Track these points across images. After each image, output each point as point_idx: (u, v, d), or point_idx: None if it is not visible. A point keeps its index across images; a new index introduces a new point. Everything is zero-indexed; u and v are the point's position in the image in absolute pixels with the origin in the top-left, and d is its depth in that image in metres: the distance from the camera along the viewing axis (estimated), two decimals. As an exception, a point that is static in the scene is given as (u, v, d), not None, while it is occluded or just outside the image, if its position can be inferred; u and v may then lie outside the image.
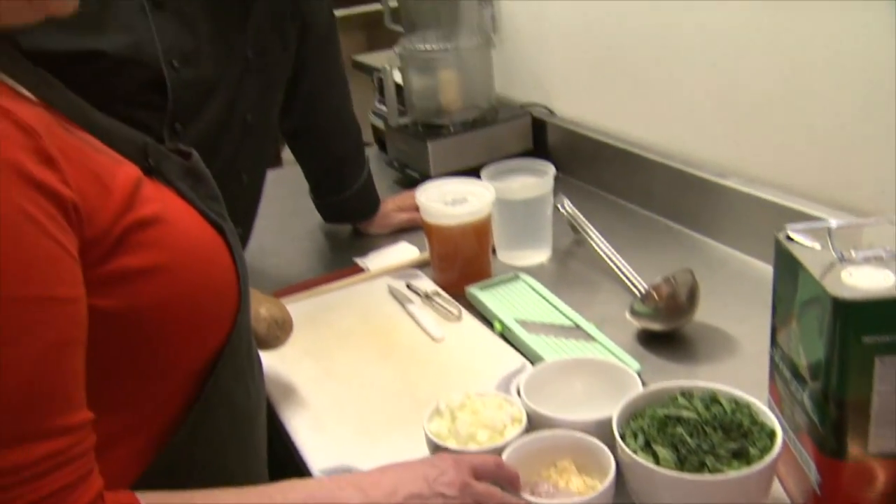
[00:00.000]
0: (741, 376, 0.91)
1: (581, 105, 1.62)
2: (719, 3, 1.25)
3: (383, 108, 1.71)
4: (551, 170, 1.30)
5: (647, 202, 1.45)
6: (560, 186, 1.38)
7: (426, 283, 1.26)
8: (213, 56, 1.13)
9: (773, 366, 0.83)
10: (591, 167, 1.57)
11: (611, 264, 1.25)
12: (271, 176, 1.38)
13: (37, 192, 0.56)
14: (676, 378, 0.87)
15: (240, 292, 0.75)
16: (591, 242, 1.30)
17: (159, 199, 0.70)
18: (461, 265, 1.25)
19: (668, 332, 1.09)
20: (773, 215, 1.18)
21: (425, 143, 1.57)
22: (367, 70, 2.18)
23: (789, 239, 0.78)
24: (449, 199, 1.25)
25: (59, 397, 0.57)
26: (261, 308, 0.98)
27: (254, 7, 1.17)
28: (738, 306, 1.13)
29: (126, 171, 0.68)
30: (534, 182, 1.30)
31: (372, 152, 1.81)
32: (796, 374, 0.76)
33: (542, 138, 1.67)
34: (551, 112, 1.69)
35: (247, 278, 0.77)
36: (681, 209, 1.38)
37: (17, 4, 0.65)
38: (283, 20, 1.23)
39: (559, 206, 1.36)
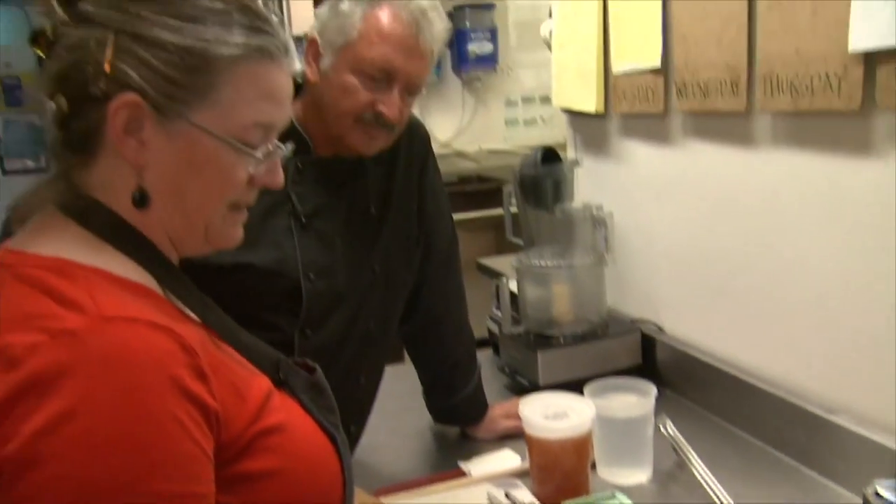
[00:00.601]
0: None
1: (690, 325, 1.66)
2: (827, 238, 1.29)
3: (499, 313, 1.81)
4: (653, 390, 1.33)
5: (754, 429, 1.44)
6: (667, 405, 1.40)
7: (524, 494, 1.29)
8: (344, 270, 1.28)
9: None
10: (699, 388, 1.58)
11: (710, 492, 1.24)
12: (392, 371, 1.48)
13: (188, 402, 0.68)
14: None
15: (344, 498, 0.83)
16: (692, 467, 1.30)
17: (284, 410, 0.81)
18: (559, 479, 1.28)
19: (765, 573, 1.06)
20: (884, 458, 1.16)
21: (536, 353, 1.64)
22: (490, 273, 2.32)
23: (878, 496, 0.79)
24: (550, 413, 1.30)
25: None
26: (362, 509, 1.04)
27: (383, 230, 1.33)
28: (844, 552, 1.09)
29: (259, 383, 0.80)
30: (635, 401, 1.34)
31: (486, 355, 1.89)
32: None
33: (651, 355, 1.71)
34: (661, 329, 1.73)
35: (352, 485, 0.85)
36: (788, 441, 1.36)
37: (197, 244, 0.81)
38: (409, 242, 1.38)
39: (661, 426, 1.38)
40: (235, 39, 0.77)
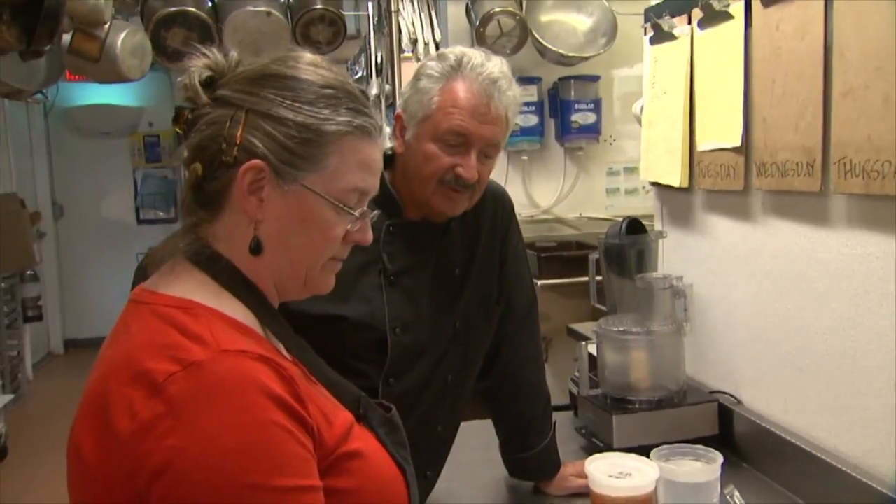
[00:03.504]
0: None
1: (768, 398, 1.68)
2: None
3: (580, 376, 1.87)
4: (719, 459, 1.37)
5: (824, 506, 1.44)
6: (739, 475, 1.42)
7: (588, 551, 1.34)
8: (427, 325, 1.39)
9: None
10: (773, 461, 1.59)
11: (771, 564, 1.26)
12: (472, 425, 1.56)
13: (291, 417, 0.82)
14: None
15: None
16: (756, 538, 1.32)
17: (363, 440, 0.94)
18: (622, 538, 1.32)
19: None
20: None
21: (611, 416, 1.70)
22: (579, 338, 2.38)
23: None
24: (616, 472, 1.35)
25: None
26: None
27: (465, 290, 1.44)
28: None
29: (343, 416, 0.93)
30: (700, 468, 1.37)
31: (567, 416, 1.95)
32: None
33: (727, 426, 1.72)
34: (738, 401, 1.75)
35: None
36: (858, 520, 1.36)
37: (297, 288, 0.95)
38: (489, 302, 1.49)
39: (728, 495, 1.41)
40: (342, 118, 0.92)
